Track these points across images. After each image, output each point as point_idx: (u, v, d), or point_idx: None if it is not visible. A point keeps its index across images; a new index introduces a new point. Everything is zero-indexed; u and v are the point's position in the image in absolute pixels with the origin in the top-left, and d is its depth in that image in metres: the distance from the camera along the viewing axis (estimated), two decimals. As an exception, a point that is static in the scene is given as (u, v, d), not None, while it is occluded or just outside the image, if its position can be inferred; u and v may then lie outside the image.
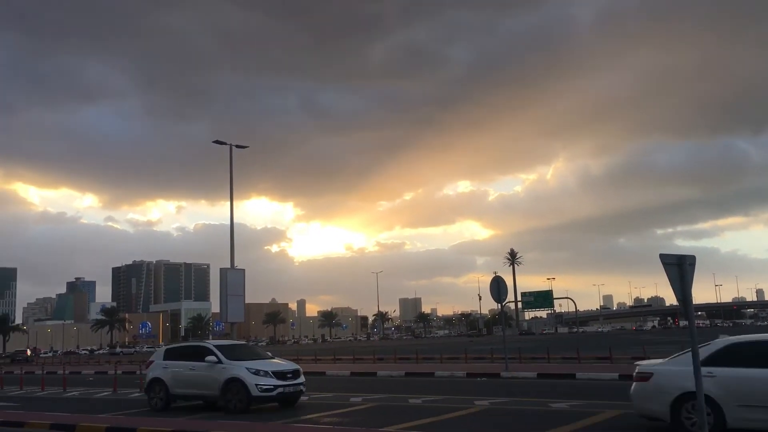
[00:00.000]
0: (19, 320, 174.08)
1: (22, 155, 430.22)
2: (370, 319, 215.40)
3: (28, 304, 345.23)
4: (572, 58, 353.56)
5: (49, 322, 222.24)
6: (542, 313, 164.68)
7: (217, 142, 43.49)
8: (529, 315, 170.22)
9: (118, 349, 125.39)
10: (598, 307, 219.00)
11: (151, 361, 18.80)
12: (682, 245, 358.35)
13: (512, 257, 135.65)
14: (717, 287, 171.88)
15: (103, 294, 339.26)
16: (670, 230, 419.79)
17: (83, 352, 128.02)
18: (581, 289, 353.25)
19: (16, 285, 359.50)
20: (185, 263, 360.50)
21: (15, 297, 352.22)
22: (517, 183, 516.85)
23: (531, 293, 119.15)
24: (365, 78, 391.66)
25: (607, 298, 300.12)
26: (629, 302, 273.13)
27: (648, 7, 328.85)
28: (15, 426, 15.67)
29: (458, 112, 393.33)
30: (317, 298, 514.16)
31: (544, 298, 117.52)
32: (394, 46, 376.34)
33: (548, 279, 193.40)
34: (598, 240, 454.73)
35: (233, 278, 42.31)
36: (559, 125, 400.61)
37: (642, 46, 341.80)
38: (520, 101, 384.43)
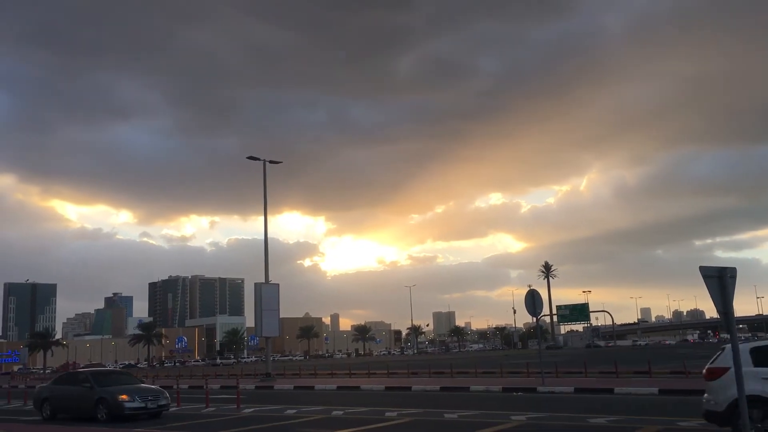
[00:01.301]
0: (59, 335, 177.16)
1: (59, 172, 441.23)
2: (404, 333, 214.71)
3: (67, 319, 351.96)
4: (604, 67, 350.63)
5: (87, 337, 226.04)
6: (578, 327, 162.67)
7: (251, 157, 44.14)
8: (564, 328, 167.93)
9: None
10: (636, 321, 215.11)
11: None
12: (722, 257, 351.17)
13: (547, 270, 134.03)
14: (759, 299, 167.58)
15: (140, 309, 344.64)
16: (708, 241, 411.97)
17: (120, 366, 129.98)
18: (618, 302, 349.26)
19: (56, 301, 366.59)
20: (220, 278, 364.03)
21: (55, 312, 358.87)
22: (550, 195, 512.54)
23: (566, 306, 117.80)
24: (394, 90, 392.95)
25: (645, 311, 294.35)
26: (668, 315, 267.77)
27: (679, 15, 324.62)
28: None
29: (488, 124, 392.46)
30: (350, 312, 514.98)
31: (579, 312, 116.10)
32: (423, 58, 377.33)
33: (584, 292, 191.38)
34: (634, 252, 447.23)
35: (268, 293, 42.76)
36: (591, 135, 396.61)
37: (674, 54, 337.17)
38: (551, 111, 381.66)
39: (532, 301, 25.50)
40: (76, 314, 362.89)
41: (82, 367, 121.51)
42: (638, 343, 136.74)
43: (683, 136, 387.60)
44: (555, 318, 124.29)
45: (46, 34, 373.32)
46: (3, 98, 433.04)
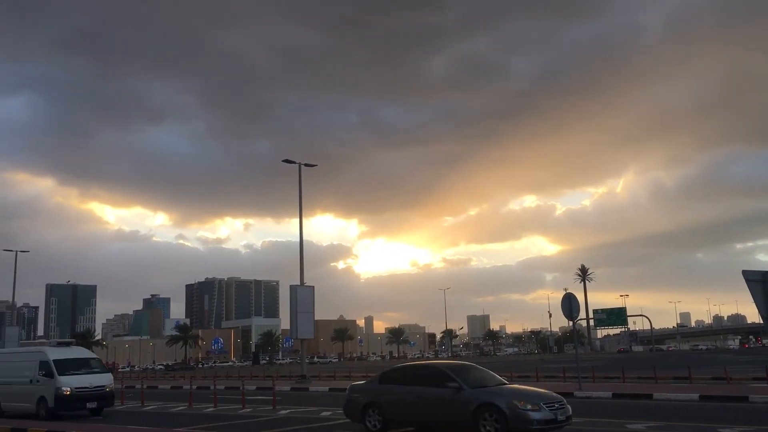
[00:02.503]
0: (99, 335, 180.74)
1: (96, 175, 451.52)
2: (438, 336, 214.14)
3: (107, 320, 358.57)
4: (640, 66, 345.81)
5: (126, 338, 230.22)
6: (615, 331, 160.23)
7: (286, 161, 44.47)
8: (601, 333, 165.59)
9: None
10: (675, 325, 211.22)
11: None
12: (765, 260, 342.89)
13: (583, 273, 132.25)
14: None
15: (177, 310, 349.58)
16: (750, 244, 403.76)
17: (159, 367, 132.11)
18: (656, 307, 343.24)
19: (96, 302, 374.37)
20: (255, 280, 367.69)
21: (95, 313, 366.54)
22: (585, 197, 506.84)
23: (603, 310, 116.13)
24: (426, 92, 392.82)
25: (684, 316, 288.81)
26: (708, 320, 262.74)
27: (718, 11, 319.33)
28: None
29: (522, 125, 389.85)
30: (384, 315, 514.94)
31: (617, 316, 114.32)
32: (455, 59, 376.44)
33: (621, 296, 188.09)
34: (673, 255, 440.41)
35: (303, 295, 42.99)
36: (628, 136, 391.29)
37: (713, 52, 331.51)
38: (586, 112, 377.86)
39: (569, 304, 25.20)
40: (115, 315, 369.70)
41: (120, 369, 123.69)
42: (699, 347, 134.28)
43: (723, 136, 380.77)
44: (592, 322, 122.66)
45: (81, 39, 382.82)
46: (41, 102, 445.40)
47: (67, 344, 24.34)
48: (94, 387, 21.63)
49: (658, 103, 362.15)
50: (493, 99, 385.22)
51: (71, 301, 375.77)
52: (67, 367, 21.70)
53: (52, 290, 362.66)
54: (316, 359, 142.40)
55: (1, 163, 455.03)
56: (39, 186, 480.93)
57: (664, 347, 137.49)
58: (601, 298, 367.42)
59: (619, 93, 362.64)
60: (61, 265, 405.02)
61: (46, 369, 21.58)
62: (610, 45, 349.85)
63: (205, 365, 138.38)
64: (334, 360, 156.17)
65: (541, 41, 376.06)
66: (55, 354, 22.12)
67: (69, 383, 21.15)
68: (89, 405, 21.42)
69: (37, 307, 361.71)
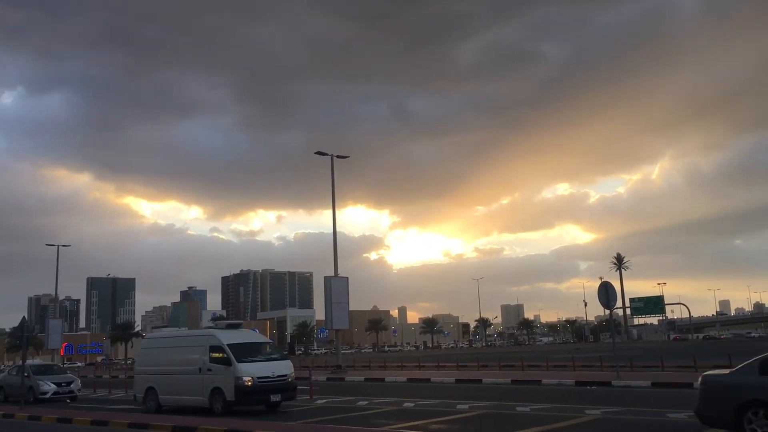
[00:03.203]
0: (138, 327, 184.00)
1: (131, 170, 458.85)
2: (472, 325, 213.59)
3: (146, 312, 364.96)
4: (675, 50, 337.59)
5: (165, 329, 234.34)
6: (653, 320, 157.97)
7: (319, 153, 44.64)
8: (638, 321, 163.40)
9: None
10: (714, 313, 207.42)
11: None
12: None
13: (619, 262, 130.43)
14: None
15: (214, 302, 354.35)
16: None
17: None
18: (695, 295, 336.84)
19: (135, 294, 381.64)
20: (289, 272, 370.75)
21: (134, 306, 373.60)
22: (620, 184, 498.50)
23: (640, 299, 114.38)
24: (456, 80, 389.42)
25: (724, 304, 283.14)
26: (748, 308, 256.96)
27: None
28: (140, 428, 16.68)
29: (554, 112, 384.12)
30: (417, 305, 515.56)
31: (654, 304, 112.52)
32: (485, 46, 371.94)
33: (658, 284, 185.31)
34: (712, 242, 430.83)
35: (337, 286, 43.27)
36: (663, 121, 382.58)
37: (751, 34, 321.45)
38: (620, 98, 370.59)
39: (606, 293, 24.93)
40: (153, 307, 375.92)
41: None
42: (751, 334, 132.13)
43: (762, 119, 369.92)
44: (628, 311, 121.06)
45: (114, 36, 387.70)
46: (77, 99, 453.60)
47: (236, 326, 21.18)
48: (277, 376, 18.66)
49: (694, 87, 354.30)
50: (523, 86, 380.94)
51: (111, 294, 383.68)
52: (243, 352, 18.61)
53: (92, 283, 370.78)
54: (349, 350, 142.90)
55: (41, 159, 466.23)
56: (77, 182, 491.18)
57: (712, 335, 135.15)
58: (638, 287, 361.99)
59: (652, 77, 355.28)
60: (100, 258, 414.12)
61: (221, 355, 18.48)
62: (642, 28, 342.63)
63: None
64: (367, 350, 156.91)
65: (572, 26, 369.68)
66: (227, 337, 19.05)
67: (250, 372, 18.04)
68: (273, 398, 18.61)
69: (78, 300, 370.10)
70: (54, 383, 27.19)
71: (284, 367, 19.18)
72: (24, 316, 28.20)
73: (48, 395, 26.52)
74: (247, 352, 18.84)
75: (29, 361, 29.75)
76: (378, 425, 14.91)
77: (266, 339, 21.51)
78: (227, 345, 18.48)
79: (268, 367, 18.64)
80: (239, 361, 18.05)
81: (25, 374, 25.65)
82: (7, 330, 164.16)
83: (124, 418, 18.34)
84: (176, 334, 25.62)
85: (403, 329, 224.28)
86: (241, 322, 23.01)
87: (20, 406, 23.31)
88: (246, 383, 17.80)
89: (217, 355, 18.54)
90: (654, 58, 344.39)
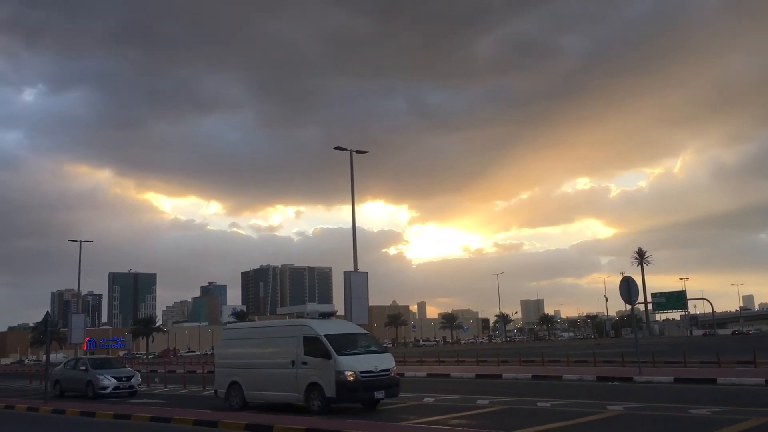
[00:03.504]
0: (159, 322, 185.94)
1: (151, 166, 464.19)
2: (492, 321, 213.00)
3: (167, 307, 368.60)
4: (698, 41, 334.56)
5: (186, 324, 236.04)
6: (675, 315, 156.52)
7: (338, 148, 44.56)
8: (660, 317, 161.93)
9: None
10: (738, 309, 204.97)
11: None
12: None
13: (640, 256, 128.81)
14: None
15: (234, 297, 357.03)
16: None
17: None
18: (718, 289, 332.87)
19: (156, 289, 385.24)
20: (309, 267, 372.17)
21: (155, 300, 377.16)
22: (641, 178, 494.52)
23: (662, 294, 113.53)
24: (474, 74, 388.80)
25: (748, 299, 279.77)
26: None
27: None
28: (163, 421, 16.82)
29: (573, 105, 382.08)
30: (436, 300, 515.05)
31: (676, 299, 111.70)
32: (503, 40, 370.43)
33: (681, 279, 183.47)
34: (735, 236, 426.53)
35: (356, 281, 43.18)
36: (685, 114, 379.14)
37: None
38: (641, 90, 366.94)
39: (627, 288, 24.72)
40: (174, 302, 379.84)
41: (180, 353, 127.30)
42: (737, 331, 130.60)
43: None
44: (650, 306, 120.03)
45: (132, 33, 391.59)
46: (97, 96, 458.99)
47: (329, 315, 19.68)
48: (380, 371, 16.82)
49: (717, 78, 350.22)
50: (543, 80, 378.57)
51: (133, 289, 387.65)
52: (342, 344, 16.93)
53: (114, 279, 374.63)
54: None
55: (63, 156, 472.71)
56: (98, 178, 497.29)
57: (740, 330, 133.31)
58: (660, 282, 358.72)
59: (674, 69, 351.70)
60: (121, 254, 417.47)
61: (318, 347, 16.73)
62: (663, 19, 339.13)
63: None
64: (387, 345, 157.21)
65: (591, 18, 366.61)
66: (323, 328, 17.43)
67: (352, 366, 16.25)
68: (377, 394, 16.74)
69: (100, 295, 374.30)
70: (114, 377, 26.00)
71: (386, 361, 17.37)
72: (47, 311, 28.12)
73: (108, 390, 25.30)
74: (346, 343, 17.19)
75: (84, 355, 30.17)
76: (399, 420, 14.91)
77: (361, 330, 19.59)
78: (324, 336, 16.82)
79: (370, 361, 16.87)
80: (339, 354, 16.37)
81: (83, 367, 25.96)
82: (31, 324, 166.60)
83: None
84: (263, 325, 24.55)
85: (423, 324, 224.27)
86: (335, 310, 21.17)
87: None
88: (348, 378, 16.07)
89: (313, 347, 16.85)
90: (675, 50, 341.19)
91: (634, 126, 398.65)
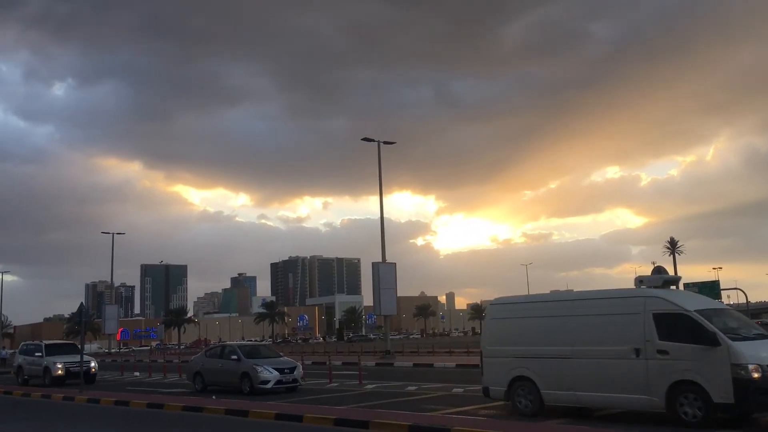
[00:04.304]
0: (191, 313, 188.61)
1: (179, 158, 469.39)
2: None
3: (198, 298, 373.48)
4: (729, 26, 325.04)
5: (216, 315, 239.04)
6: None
7: (365, 139, 44.65)
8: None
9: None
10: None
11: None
12: None
13: (672, 246, 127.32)
14: None
15: (263, 288, 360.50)
16: None
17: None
18: (752, 279, 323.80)
19: (187, 281, 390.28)
20: (337, 258, 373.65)
21: (186, 292, 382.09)
22: (672, 166, 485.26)
23: (695, 284, 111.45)
24: (501, 62, 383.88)
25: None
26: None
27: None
28: (195, 410, 17.06)
29: (603, 93, 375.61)
30: (465, 291, 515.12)
31: (709, 289, 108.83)
32: (531, 27, 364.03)
33: (714, 269, 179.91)
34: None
35: (385, 272, 43.39)
36: (718, 101, 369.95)
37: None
38: (672, 76, 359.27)
39: (659, 278, 24.28)
40: (205, 293, 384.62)
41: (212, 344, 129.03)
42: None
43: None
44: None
45: (160, 25, 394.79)
46: (125, 89, 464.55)
47: (674, 282, 14.07)
48: None
49: (750, 63, 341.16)
50: (571, 67, 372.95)
51: (164, 281, 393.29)
52: (718, 326, 11.63)
53: (146, 270, 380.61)
54: (398, 336, 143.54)
55: (93, 149, 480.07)
56: (128, 170, 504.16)
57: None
58: (692, 272, 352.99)
59: (706, 55, 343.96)
60: (152, 246, 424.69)
61: (687, 329, 11.65)
62: (695, 3, 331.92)
63: (300, 341, 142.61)
64: (415, 336, 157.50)
65: (622, 3, 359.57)
66: (687, 301, 12.45)
67: (758, 356, 11.02)
68: None
69: (133, 287, 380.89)
70: (275, 368, 21.26)
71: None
72: (82, 302, 28.46)
73: (270, 385, 20.65)
74: (722, 324, 11.85)
75: (231, 342, 27.90)
76: (428, 410, 14.92)
77: (724, 304, 14.40)
78: (695, 312, 11.79)
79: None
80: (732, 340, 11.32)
81: (234, 357, 21.83)
82: (66, 315, 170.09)
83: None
84: (563, 297, 15.53)
85: (452, 315, 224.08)
86: (679, 277, 15.65)
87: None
88: (754, 376, 10.85)
89: (675, 328, 11.77)
90: (708, 35, 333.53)
91: (666, 113, 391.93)
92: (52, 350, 29.16)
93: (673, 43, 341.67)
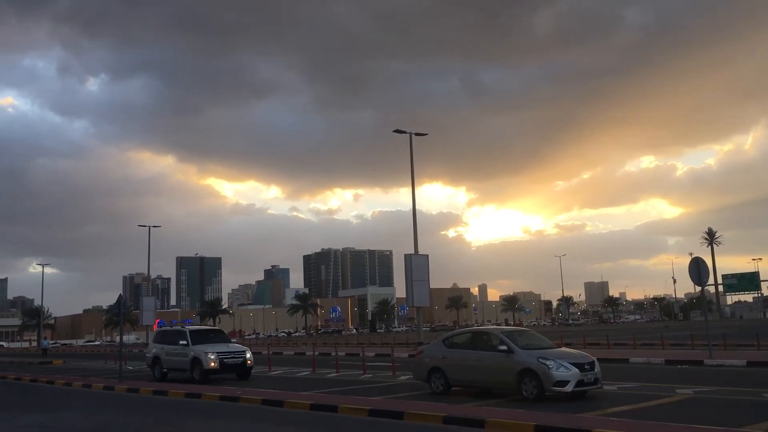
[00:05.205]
0: (225, 305, 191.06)
1: (211, 152, 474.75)
2: (554, 303, 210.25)
3: (232, 290, 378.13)
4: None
5: (250, 307, 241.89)
6: (747, 297, 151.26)
7: (397, 131, 44.58)
8: (731, 299, 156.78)
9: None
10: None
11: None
12: None
13: (710, 236, 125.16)
14: None
15: (296, 280, 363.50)
16: None
17: (281, 334, 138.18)
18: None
19: (221, 273, 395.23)
20: (369, 250, 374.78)
21: (221, 284, 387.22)
22: (709, 155, 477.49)
23: (733, 275, 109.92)
24: (531, 52, 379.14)
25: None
26: None
27: None
28: (231, 401, 17.32)
29: (637, 81, 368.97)
30: (497, 283, 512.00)
31: (749, 281, 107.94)
32: (561, 14, 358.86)
33: (753, 260, 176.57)
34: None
35: (417, 264, 43.32)
36: (756, 87, 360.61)
37: None
38: (708, 63, 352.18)
39: (697, 269, 23.98)
40: (239, 285, 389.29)
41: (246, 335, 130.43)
42: None
43: None
44: (721, 288, 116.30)
45: (189, 19, 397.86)
46: (157, 83, 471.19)
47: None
48: None
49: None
50: (603, 55, 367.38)
51: (199, 273, 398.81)
52: None
53: (181, 263, 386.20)
54: (430, 328, 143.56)
55: (127, 143, 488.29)
56: (161, 164, 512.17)
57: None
58: (732, 263, 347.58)
59: (744, 40, 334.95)
60: (187, 238, 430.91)
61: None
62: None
63: (334, 332, 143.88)
64: (448, 327, 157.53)
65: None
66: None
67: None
68: None
69: (169, 279, 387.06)
70: (572, 364, 14.57)
71: None
72: (120, 294, 28.93)
73: (569, 388, 14.31)
74: None
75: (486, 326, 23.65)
76: (458, 403, 14.92)
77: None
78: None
79: None
80: None
81: (502, 346, 15.24)
82: (104, 307, 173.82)
83: None
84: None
85: (484, 307, 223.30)
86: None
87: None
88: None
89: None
90: (745, 19, 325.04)
91: (702, 101, 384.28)
92: (199, 337, 24.36)
93: (707, 29, 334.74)
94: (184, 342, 23.72)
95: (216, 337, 25.31)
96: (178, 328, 26.89)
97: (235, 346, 24.36)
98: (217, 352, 22.92)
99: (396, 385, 19.78)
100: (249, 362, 23.65)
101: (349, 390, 18.63)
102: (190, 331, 24.69)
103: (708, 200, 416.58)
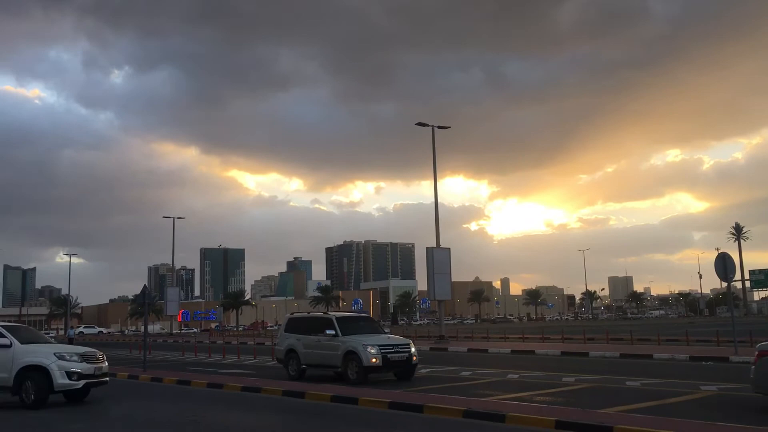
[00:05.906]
0: (248, 296, 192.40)
1: (234, 144, 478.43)
2: (577, 298, 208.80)
3: (255, 281, 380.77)
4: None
5: (273, 298, 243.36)
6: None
7: (420, 124, 44.50)
8: (759, 295, 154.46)
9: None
10: None
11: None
12: None
13: (737, 231, 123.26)
14: None
15: (318, 272, 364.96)
16: None
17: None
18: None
19: (244, 264, 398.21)
20: (391, 243, 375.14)
21: (244, 275, 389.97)
22: (737, 148, 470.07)
23: (761, 271, 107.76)
24: (555, 43, 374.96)
25: None
26: None
27: None
28: (254, 392, 17.46)
29: (662, 73, 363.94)
30: (519, 277, 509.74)
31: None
32: (586, 5, 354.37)
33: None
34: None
35: (439, 257, 43.37)
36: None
37: None
38: (735, 54, 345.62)
39: (723, 265, 23.64)
40: (262, 277, 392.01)
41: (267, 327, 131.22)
42: None
43: None
44: (748, 284, 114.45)
45: (211, 10, 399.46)
46: (180, 75, 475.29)
47: None
48: None
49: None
50: (629, 46, 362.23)
51: (222, 264, 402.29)
52: None
53: (205, 254, 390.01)
54: (452, 321, 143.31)
55: (151, 135, 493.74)
56: (185, 156, 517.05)
57: None
58: (759, 258, 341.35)
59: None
60: (210, 230, 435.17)
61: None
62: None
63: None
64: (470, 321, 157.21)
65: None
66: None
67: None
68: None
69: (193, 270, 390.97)
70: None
71: None
72: (145, 285, 29.09)
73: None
74: None
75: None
76: (482, 395, 14.89)
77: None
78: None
79: None
80: None
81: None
82: (130, 297, 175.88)
83: None
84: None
85: (506, 301, 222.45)
86: None
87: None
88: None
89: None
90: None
91: (729, 93, 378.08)
92: (348, 326, 19.50)
93: (734, 21, 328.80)
94: (332, 332, 18.96)
95: (366, 325, 20.53)
96: (320, 314, 21.53)
97: (396, 338, 19.72)
98: (378, 345, 18.26)
99: (417, 378, 19.78)
100: (414, 358, 18.98)
101: (371, 382, 18.64)
102: (337, 318, 19.65)
103: (735, 194, 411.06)
